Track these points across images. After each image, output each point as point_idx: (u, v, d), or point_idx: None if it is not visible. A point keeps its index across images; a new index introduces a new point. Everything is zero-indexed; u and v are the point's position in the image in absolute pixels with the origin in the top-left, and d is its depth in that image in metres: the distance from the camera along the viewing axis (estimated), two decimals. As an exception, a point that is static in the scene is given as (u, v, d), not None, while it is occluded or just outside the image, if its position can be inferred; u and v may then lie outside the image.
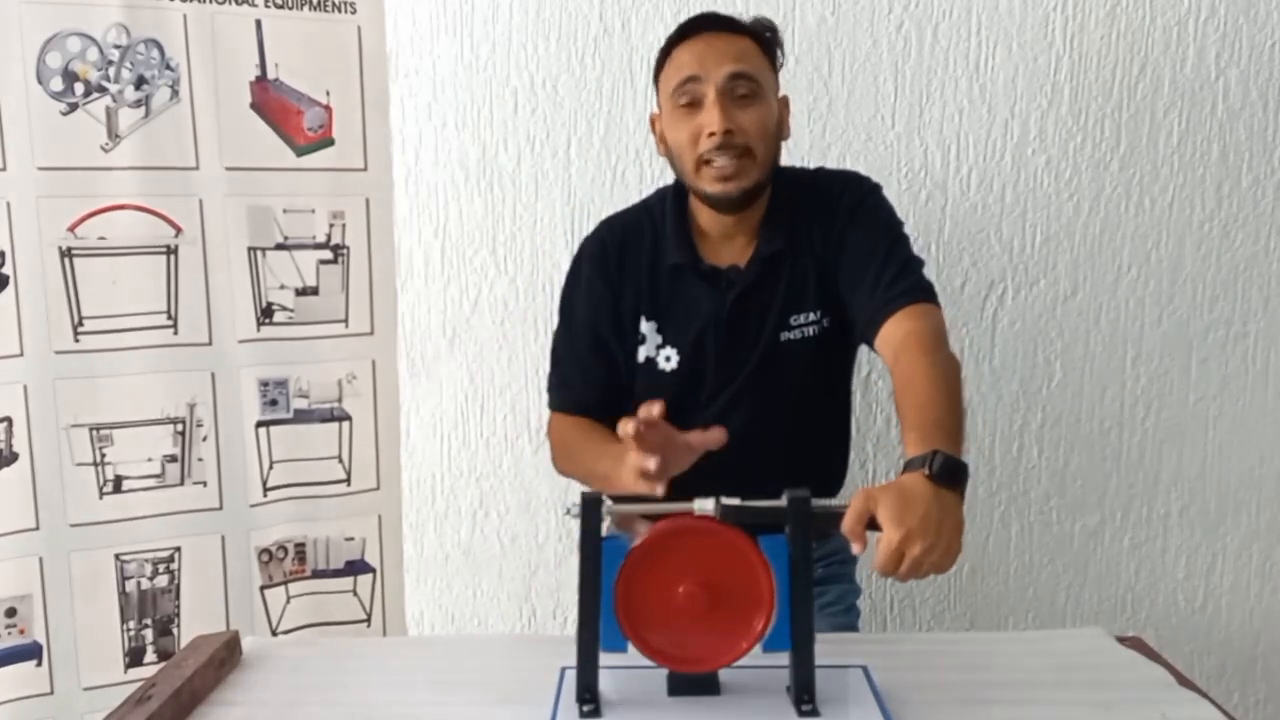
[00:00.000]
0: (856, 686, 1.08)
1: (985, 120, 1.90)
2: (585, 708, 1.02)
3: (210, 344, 1.58)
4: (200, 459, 1.59)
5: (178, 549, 1.59)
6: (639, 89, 1.89)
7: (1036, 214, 1.93)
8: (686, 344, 1.43)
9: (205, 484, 1.59)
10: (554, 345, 1.52)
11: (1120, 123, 1.91)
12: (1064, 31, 1.88)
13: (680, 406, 1.28)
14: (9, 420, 1.49)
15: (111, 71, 1.48)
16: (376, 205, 1.66)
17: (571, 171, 1.93)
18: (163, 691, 1.04)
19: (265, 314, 1.61)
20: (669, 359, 1.44)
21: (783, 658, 1.03)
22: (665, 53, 1.41)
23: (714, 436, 1.18)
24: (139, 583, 1.57)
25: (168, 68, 1.51)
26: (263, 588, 1.64)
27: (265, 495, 1.63)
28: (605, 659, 1.03)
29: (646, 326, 1.44)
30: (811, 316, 1.41)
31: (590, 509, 1.03)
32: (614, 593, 1.01)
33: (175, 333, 1.55)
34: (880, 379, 1.93)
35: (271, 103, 1.57)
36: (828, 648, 1.07)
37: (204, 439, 1.59)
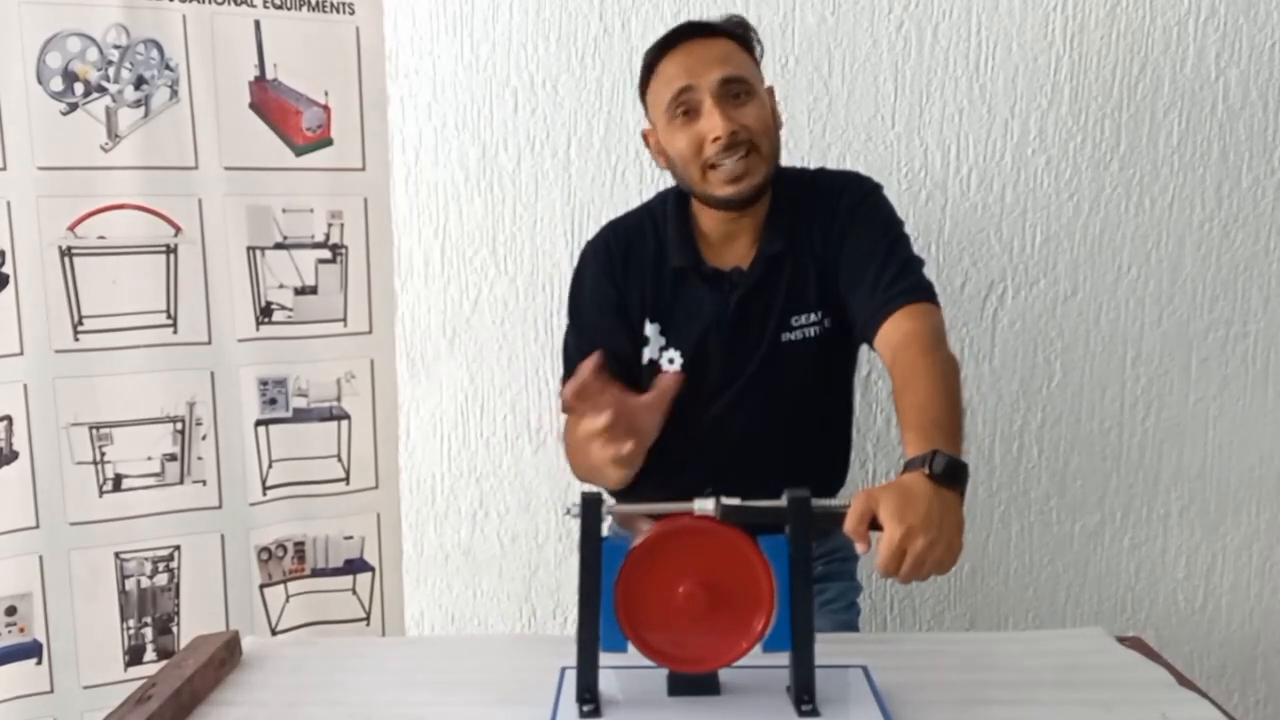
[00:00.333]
0: (856, 686, 1.08)
1: (985, 120, 1.90)
2: (585, 708, 1.02)
3: (209, 343, 1.58)
4: (200, 458, 1.59)
5: (177, 547, 1.59)
6: (639, 89, 1.90)
7: (1036, 214, 1.93)
8: (690, 346, 1.43)
9: (205, 483, 1.59)
10: (565, 348, 1.51)
11: (1120, 123, 1.91)
12: (1064, 31, 1.88)
13: (682, 408, 1.28)
14: (9, 419, 1.49)
15: (111, 71, 1.48)
16: (375, 205, 1.66)
17: (571, 172, 1.92)
18: (163, 691, 1.04)
19: (264, 313, 1.61)
20: (672, 361, 1.43)
21: (783, 658, 1.03)
22: (649, 68, 1.40)
23: (667, 382, 1.18)
24: (139, 581, 1.57)
25: (167, 68, 1.51)
26: (262, 586, 1.65)
27: (264, 494, 1.64)
28: (605, 659, 1.03)
29: (651, 329, 1.44)
30: (812, 317, 1.41)
31: (590, 509, 1.02)
32: (614, 593, 1.01)
33: (175, 332, 1.56)
34: (880, 379, 1.92)
35: (270, 103, 1.57)
36: (828, 647, 1.06)
37: (203, 438, 1.59)
